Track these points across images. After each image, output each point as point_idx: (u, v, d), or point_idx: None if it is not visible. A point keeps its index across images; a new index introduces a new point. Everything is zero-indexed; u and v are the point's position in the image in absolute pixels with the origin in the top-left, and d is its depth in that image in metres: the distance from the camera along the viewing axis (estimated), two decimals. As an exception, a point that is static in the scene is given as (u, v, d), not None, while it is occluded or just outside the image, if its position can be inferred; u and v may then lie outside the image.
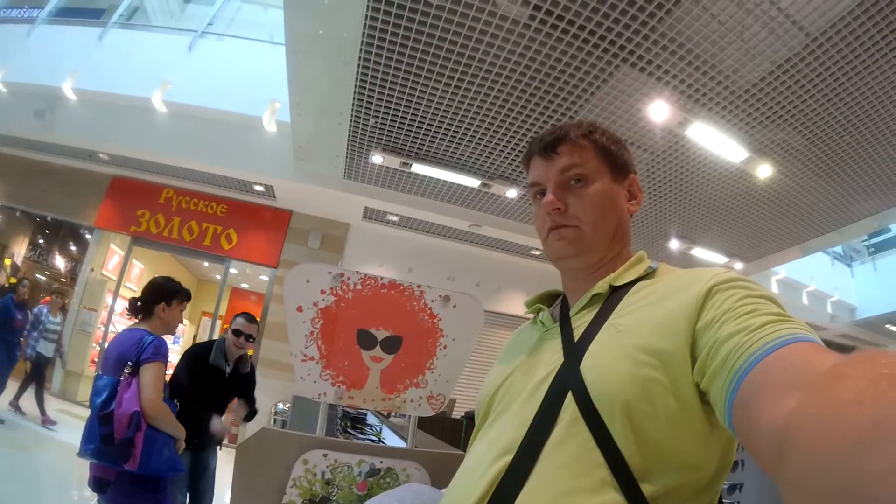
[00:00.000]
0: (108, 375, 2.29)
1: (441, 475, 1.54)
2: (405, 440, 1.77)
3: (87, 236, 9.75)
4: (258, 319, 3.55)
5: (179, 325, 2.69)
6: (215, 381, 3.29)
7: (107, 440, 2.08)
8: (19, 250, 13.77)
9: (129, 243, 9.33)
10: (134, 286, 10.44)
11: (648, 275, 0.94)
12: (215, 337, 5.04)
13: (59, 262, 12.18)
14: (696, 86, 4.34)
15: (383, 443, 2.80)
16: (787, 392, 0.56)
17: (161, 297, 2.57)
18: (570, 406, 0.79)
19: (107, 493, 2.18)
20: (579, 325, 0.90)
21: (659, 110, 4.66)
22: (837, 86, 4.14)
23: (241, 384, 3.45)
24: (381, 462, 1.53)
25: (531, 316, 1.10)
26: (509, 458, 0.80)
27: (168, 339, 7.04)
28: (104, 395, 2.20)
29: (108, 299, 9.22)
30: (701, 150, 5.28)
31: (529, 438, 0.80)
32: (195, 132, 7.85)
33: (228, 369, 3.35)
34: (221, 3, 9.11)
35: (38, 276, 13.88)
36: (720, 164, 5.50)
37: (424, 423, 1.71)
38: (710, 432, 0.75)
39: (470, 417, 6.56)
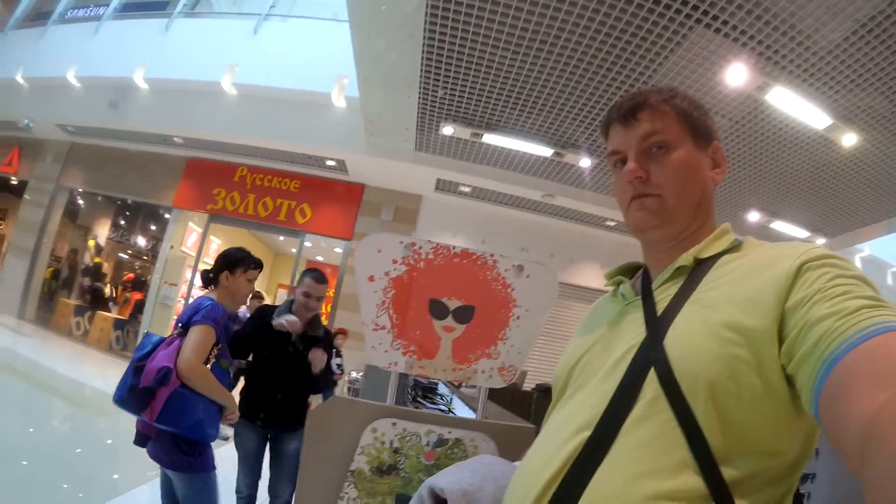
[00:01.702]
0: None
1: (509, 447, 1.52)
2: (475, 411, 1.76)
3: (166, 216, 10.29)
4: (327, 278, 3.30)
5: (245, 294, 2.62)
6: (279, 346, 2.99)
7: (132, 390, 2.12)
8: (102, 232, 14.72)
9: (206, 221, 9.82)
10: (211, 261, 10.91)
11: (734, 248, 0.89)
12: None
13: (140, 241, 12.90)
14: (775, 47, 4.04)
15: (453, 413, 2.81)
16: (879, 386, 0.53)
17: (224, 266, 2.54)
18: (651, 383, 0.75)
19: (147, 449, 2.24)
20: (662, 298, 0.86)
21: (736, 74, 4.40)
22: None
23: (307, 348, 3.03)
24: (450, 432, 1.52)
25: (607, 288, 1.06)
26: (587, 433, 0.77)
27: (246, 309, 7.38)
28: (146, 350, 2.25)
29: (188, 274, 9.75)
30: (781, 117, 4.96)
31: (608, 415, 0.77)
32: (265, 112, 8.11)
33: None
34: None
35: (120, 255, 14.83)
36: (802, 132, 5.16)
37: (495, 394, 1.70)
38: (795, 417, 0.71)
39: (541, 390, 6.54)
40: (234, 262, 2.53)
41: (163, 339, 2.30)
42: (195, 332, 2.25)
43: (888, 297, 0.68)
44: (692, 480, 0.68)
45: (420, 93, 5.68)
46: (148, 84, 8.95)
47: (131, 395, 2.11)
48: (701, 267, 0.86)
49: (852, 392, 0.56)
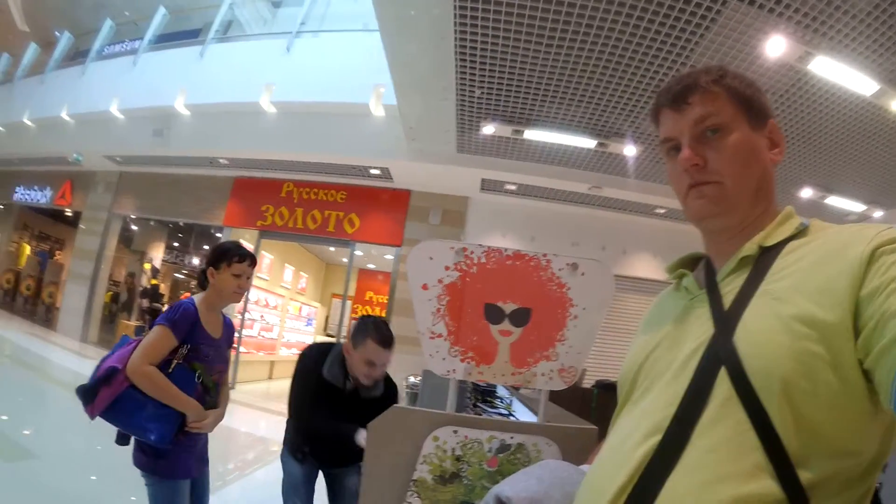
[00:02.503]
0: None
1: (572, 450, 1.49)
2: (535, 413, 1.73)
3: (218, 235, 10.62)
4: (393, 340, 2.55)
5: (234, 291, 2.36)
6: (329, 399, 2.53)
7: (79, 387, 2.13)
8: (157, 254, 15.39)
9: (257, 237, 10.05)
10: (266, 276, 11.25)
11: (800, 233, 0.84)
12: (345, 319, 5.05)
13: (195, 261, 13.38)
14: (813, 14, 3.85)
15: (513, 416, 2.79)
16: None
17: (208, 262, 2.37)
18: (723, 382, 0.72)
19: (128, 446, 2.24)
20: (728, 291, 0.82)
21: (775, 46, 4.22)
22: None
23: (367, 408, 2.28)
24: (512, 438, 1.50)
25: (663, 278, 1.02)
26: (658, 438, 0.74)
27: (300, 321, 7.56)
28: (112, 351, 2.22)
29: (243, 290, 9.94)
30: (826, 86, 4.74)
31: (679, 418, 0.74)
32: (306, 126, 8.28)
33: (348, 387, 2.54)
34: (311, 2, 9.42)
35: (176, 275, 15.43)
36: (849, 100, 4.91)
37: (554, 394, 1.67)
38: (873, 414, 0.67)
39: (601, 386, 6.43)
40: (217, 256, 2.36)
41: (126, 341, 2.26)
42: (150, 334, 2.19)
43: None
44: (767, 485, 0.66)
45: (457, 94, 5.67)
46: (189, 110, 9.26)
47: (77, 391, 2.12)
48: (767, 255, 0.82)
49: None
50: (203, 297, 2.35)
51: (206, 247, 12.50)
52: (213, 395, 2.33)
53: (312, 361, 2.58)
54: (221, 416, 2.41)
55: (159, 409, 2.10)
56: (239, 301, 2.54)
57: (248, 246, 9.84)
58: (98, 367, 2.17)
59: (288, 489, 2.70)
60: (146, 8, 11.82)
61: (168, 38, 10.92)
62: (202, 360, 2.25)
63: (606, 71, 4.91)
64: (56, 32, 13.95)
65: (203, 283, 2.38)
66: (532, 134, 6.23)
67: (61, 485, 3.84)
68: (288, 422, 2.80)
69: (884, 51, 4.17)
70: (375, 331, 2.45)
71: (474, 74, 5.21)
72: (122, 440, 2.21)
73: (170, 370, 2.15)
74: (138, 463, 2.18)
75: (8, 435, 4.68)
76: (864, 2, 3.69)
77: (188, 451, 2.25)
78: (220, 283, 2.33)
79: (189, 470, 2.26)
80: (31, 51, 14.17)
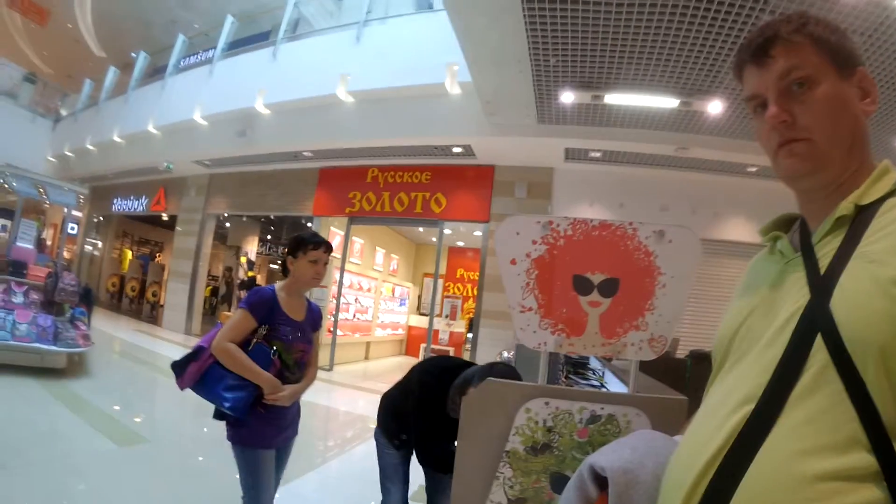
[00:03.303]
0: None
1: (662, 420, 1.48)
2: (627, 384, 1.73)
3: (308, 225, 11.05)
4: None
5: (313, 277, 2.55)
6: (443, 425, 2.43)
7: (174, 362, 2.39)
8: (251, 248, 16.19)
9: (346, 224, 10.39)
10: (357, 260, 11.63)
11: None
12: (437, 297, 4.85)
13: (288, 251, 14.14)
14: None
15: (606, 387, 2.78)
16: None
17: (288, 252, 2.59)
18: (819, 350, 0.70)
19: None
20: (824, 254, 0.80)
21: None
22: None
23: None
24: (602, 408, 1.52)
25: (757, 241, 0.99)
26: (750, 407, 0.74)
27: (394, 302, 7.79)
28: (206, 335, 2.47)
29: (336, 275, 10.37)
30: None
31: (773, 386, 0.73)
32: (384, 112, 8.43)
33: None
34: None
35: (271, 266, 16.15)
36: None
37: (647, 365, 1.66)
38: None
39: (695, 356, 6.24)
40: (295, 245, 2.56)
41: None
42: (232, 316, 2.50)
43: None
44: (863, 458, 0.64)
45: (532, 64, 5.60)
46: (269, 109, 9.68)
47: (171, 365, 2.39)
48: (864, 215, 0.79)
49: None
50: (284, 284, 2.55)
51: (299, 238, 13.25)
52: (293, 372, 2.51)
53: (438, 389, 2.47)
54: (301, 391, 2.57)
55: (236, 381, 2.31)
56: (317, 285, 2.68)
57: (337, 231, 10.19)
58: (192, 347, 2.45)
59: (385, 473, 2.75)
60: (215, 18, 12.55)
61: (240, 44, 11.48)
62: (280, 339, 2.44)
63: (682, 25, 4.70)
64: (132, 54, 14.96)
65: (286, 272, 2.57)
66: (612, 98, 6.07)
67: (171, 465, 4.23)
68: (385, 407, 2.84)
69: None
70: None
71: (547, 42, 5.12)
72: (218, 415, 2.42)
73: (249, 348, 2.36)
74: (228, 436, 2.40)
75: (122, 422, 5.16)
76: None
77: (271, 423, 2.44)
78: (299, 269, 2.53)
79: (269, 440, 2.44)
80: (111, 74, 15.30)
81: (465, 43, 5.47)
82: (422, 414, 2.56)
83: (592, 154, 8.12)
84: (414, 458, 2.74)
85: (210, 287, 14.42)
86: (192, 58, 12.74)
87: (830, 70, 0.84)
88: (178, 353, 2.46)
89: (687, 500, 0.76)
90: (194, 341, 2.93)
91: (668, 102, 6.10)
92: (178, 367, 2.37)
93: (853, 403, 0.66)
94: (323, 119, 9.05)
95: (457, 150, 8.64)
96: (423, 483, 2.81)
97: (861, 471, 0.64)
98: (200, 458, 4.37)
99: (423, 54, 7.95)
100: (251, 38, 11.44)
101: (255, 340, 2.39)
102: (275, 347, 2.43)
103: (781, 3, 4.26)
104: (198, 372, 2.35)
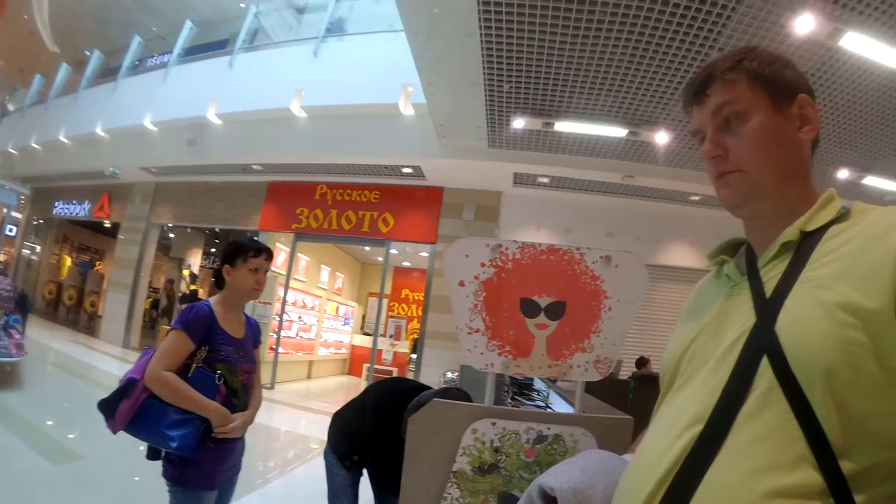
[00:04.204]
0: None
1: (609, 440, 1.51)
2: (572, 405, 1.75)
3: (255, 240, 10.80)
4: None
5: (253, 287, 2.30)
6: (400, 448, 2.21)
7: (99, 402, 2.06)
8: (195, 261, 15.74)
9: (292, 240, 10.27)
10: (302, 277, 11.47)
11: (842, 216, 0.82)
12: (382, 317, 4.91)
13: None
14: None
15: (551, 408, 2.80)
16: None
17: (223, 261, 2.30)
18: (765, 372, 0.72)
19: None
20: (770, 278, 0.82)
21: (804, 24, 4.13)
22: None
23: None
24: (549, 429, 1.53)
25: (698, 266, 1.01)
26: (699, 427, 0.75)
27: (338, 321, 7.73)
28: (134, 365, 2.15)
29: (280, 292, 10.22)
30: (858, 63, 4.63)
31: (721, 408, 0.74)
32: (336, 129, 8.39)
33: None
34: (334, 6, 9.50)
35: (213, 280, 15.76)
36: (882, 76, 4.78)
37: (591, 386, 1.68)
38: None
39: (637, 378, 6.38)
40: (233, 252, 2.28)
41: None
42: (165, 339, 2.11)
43: None
44: (810, 476, 0.66)
45: (486, 90, 5.69)
46: (221, 119, 9.51)
47: (98, 406, 2.05)
48: (809, 241, 0.81)
49: None
50: (219, 297, 2.28)
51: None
52: (240, 398, 2.23)
53: (395, 412, 2.38)
54: (251, 419, 2.30)
55: (180, 416, 2.02)
56: (257, 297, 2.39)
57: (283, 247, 10.02)
58: (120, 380, 2.11)
59: (335, 494, 2.65)
60: (173, 22, 12.25)
61: (197, 51, 11.24)
62: (224, 360, 2.16)
63: (634, 58, 4.88)
64: (86, 52, 14.52)
65: (220, 283, 2.31)
66: (562, 126, 6.21)
67: (107, 485, 4.01)
68: (336, 427, 2.74)
69: None
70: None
71: (502, 69, 5.22)
72: (153, 455, 2.14)
73: (189, 374, 2.08)
74: (165, 474, 2.10)
75: (55, 438, 4.88)
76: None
77: (220, 461, 2.16)
78: (238, 279, 2.26)
79: (216, 480, 2.16)
80: (63, 71, 14.79)
81: (421, 65, 5.51)
82: (378, 437, 2.46)
83: (541, 179, 8.28)
84: (364, 479, 2.66)
85: (151, 299, 13.91)
86: (147, 61, 12.41)
87: (764, 103, 0.87)
88: (116, 367, 2.22)
89: None
90: (132, 355, 2.71)
91: (616, 132, 6.28)
92: (107, 407, 2.03)
93: (799, 423, 0.68)
94: (275, 133, 8.95)
95: (406, 170, 8.67)
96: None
97: (808, 488, 0.65)
98: (137, 479, 4.17)
99: (379, 74, 7.99)
100: (208, 46, 11.22)
101: (194, 365, 2.10)
102: (219, 371, 2.14)
103: (730, 42, 4.47)
104: (131, 410, 2.02)
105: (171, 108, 10.14)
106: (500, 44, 4.78)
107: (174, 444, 1.98)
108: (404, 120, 7.98)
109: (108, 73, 13.45)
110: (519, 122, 6.18)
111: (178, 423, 2.01)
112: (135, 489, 4.04)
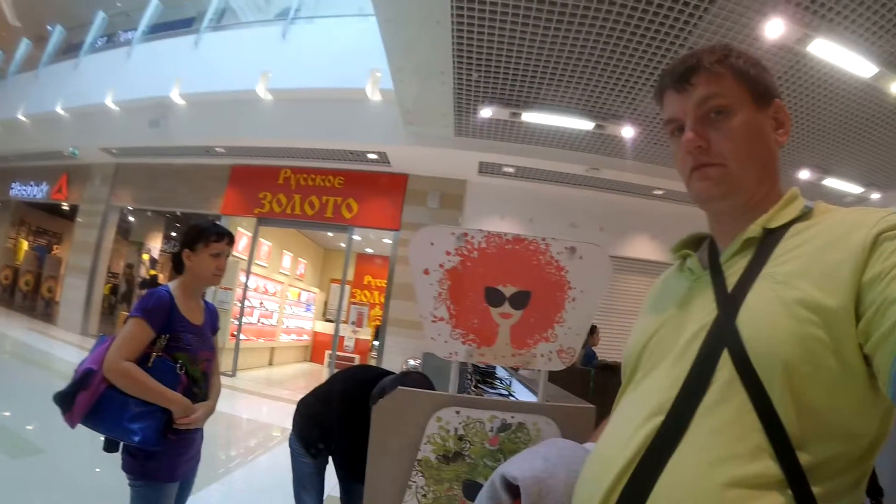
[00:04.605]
0: None
1: (571, 428, 1.53)
2: (535, 394, 1.76)
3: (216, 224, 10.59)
4: None
5: (214, 273, 2.22)
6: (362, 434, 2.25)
7: (56, 394, 1.97)
8: (155, 245, 15.34)
9: (255, 224, 10.08)
10: (264, 263, 11.32)
11: (804, 215, 0.84)
12: (344, 303, 4.92)
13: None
14: None
15: (514, 397, 2.82)
16: None
17: (184, 244, 2.20)
18: (725, 365, 0.73)
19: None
20: (732, 273, 0.83)
21: (774, 28, 4.22)
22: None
23: None
24: (513, 417, 1.54)
25: (660, 259, 1.02)
26: (660, 419, 0.76)
27: (300, 307, 7.68)
28: (92, 352, 2.06)
29: (242, 278, 10.06)
30: (825, 68, 4.76)
31: (682, 399, 0.75)
32: (302, 113, 8.27)
33: None
34: None
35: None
36: (848, 82, 4.93)
37: (553, 375, 1.70)
38: (873, 398, 0.69)
39: (599, 367, 6.49)
40: (194, 236, 2.19)
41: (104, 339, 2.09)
42: (124, 328, 2.02)
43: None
44: (768, 466, 0.67)
45: (454, 78, 5.66)
46: (185, 100, 9.24)
47: (54, 398, 1.97)
48: (771, 237, 0.83)
49: None
50: (179, 283, 2.20)
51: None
52: (201, 387, 2.19)
53: (362, 400, 2.36)
54: (212, 409, 2.25)
55: (142, 408, 1.95)
56: (218, 283, 2.30)
57: (245, 232, 9.85)
58: (76, 370, 2.02)
59: (301, 482, 2.62)
60: None
61: (162, 28, 10.86)
62: (184, 349, 2.10)
63: (604, 53, 4.91)
64: (48, 27, 13.92)
65: (179, 268, 2.23)
66: (529, 116, 6.23)
67: (69, 479, 3.88)
68: (302, 414, 2.70)
69: (883, 33, 4.18)
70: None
71: (472, 57, 5.20)
72: (109, 447, 2.06)
73: (149, 364, 2.00)
74: (126, 467, 2.03)
75: (13, 430, 4.73)
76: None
77: (181, 453, 2.11)
78: (198, 265, 2.19)
79: (178, 472, 2.12)
80: (24, 46, 14.18)
81: (391, 51, 5.46)
82: (345, 425, 2.44)
83: (506, 169, 8.31)
84: (329, 467, 2.64)
85: (110, 285, 13.51)
86: (110, 38, 11.94)
87: (748, 101, 0.88)
88: (75, 355, 2.11)
89: None
90: (91, 342, 2.55)
91: (583, 124, 6.33)
92: (64, 400, 1.94)
93: (758, 415, 0.69)
94: (240, 115, 8.75)
95: (372, 156, 8.60)
96: (339, 493, 2.70)
97: (767, 478, 0.67)
98: (98, 470, 4.06)
99: (348, 58, 7.88)
100: (174, 24, 10.84)
101: (154, 354, 2.02)
102: (180, 360, 2.08)
103: (700, 41, 4.53)
104: (90, 402, 1.93)
105: (134, 87, 9.80)
106: (470, 32, 4.76)
107: (136, 438, 1.93)
108: (371, 105, 7.90)
109: (70, 49, 12.89)
110: (486, 112, 6.18)
111: (140, 416, 1.95)
112: (97, 482, 3.92)
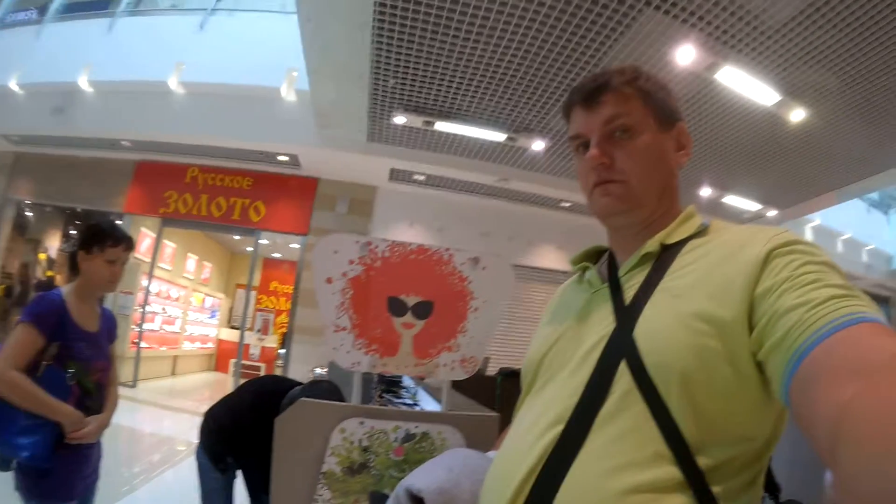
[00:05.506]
0: None
1: (476, 437, 1.54)
2: (440, 402, 1.77)
3: (118, 223, 9.96)
4: None
5: (108, 280, 2.10)
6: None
7: None
8: (53, 244, 14.27)
9: (159, 225, 9.59)
10: (167, 266, 10.76)
11: (701, 232, 0.88)
12: (250, 310, 4.73)
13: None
14: (724, 27, 4.14)
15: (419, 405, 2.82)
16: (847, 380, 0.53)
17: (80, 245, 2.06)
18: (623, 375, 0.75)
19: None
20: (630, 286, 0.86)
21: (685, 55, 4.47)
22: (873, 24, 3.89)
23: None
24: (417, 427, 1.54)
25: (565, 269, 1.05)
26: (560, 428, 0.77)
27: (204, 313, 7.37)
28: None
29: (143, 282, 9.52)
30: (731, 95, 5.08)
31: (581, 409, 0.77)
32: (214, 109, 7.93)
33: None
34: None
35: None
36: (752, 109, 5.29)
37: (459, 382, 1.72)
38: (767, 402, 0.72)
39: (504, 374, 6.61)
40: (90, 238, 2.05)
41: None
42: (11, 335, 1.89)
43: (838, 263, 0.70)
44: (668, 471, 0.69)
45: (371, 83, 5.62)
46: (93, 87, 8.61)
47: None
48: (668, 253, 0.85)
49: (822, 385, 0.56)
50: (73, 287, 2.07)
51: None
52: (94, 399, 2.06)
53: (273, 413, 2.28)
54: (107, 422, 2.12)
55: (31, 421, 1.83)
56: (113, 290, 2.21)
57: (149, 233, 9.33)
58: None
59: (209, 498, 2.50)
60: None
61: (76, 9, 10.03)
62: (77, 358, 1.97)
63: (520, 68, 5.03)
64: None
65: (75, 269, 2.08)
66: (443, 126, 6.28)
67: None
68: (210, 428, 2.55)
69: (788, 65, 4.51)
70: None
71: (389, 63, 5.18)
72: (1, 465, 1.91)
73: (38, 374, 1.88)
74: (18, 486, 1.89)
75: None
76: (773, 19, 3.97)
77: (76, 470, 1.99)
78: (92, 269, 2.05)
79: (74, 490, 1.99)
80: None
81: (309, 51, 5.35)
82: (256, 438, 2.25)
83: (417, 177, 8.33)
84: (238, 481, 2.52)
85: (4, 286, 12.37)
86: (19, 14, 10.76)
87: (652, 122, 0.91)
88: None
89: None
90: None
91: (495, 136, 6.45)
92: None
93: (657, 423, 0.71)
94: (149, 107, 8.24)
95: (282, 158, 8.38)
96: None
97: (667, 482, 0.69)
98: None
99: (265, 55, 7.64)
100: (89, 5, 9.99)
101: (44, 363, 1.89)
102: (71, 370, 1.94)
103: (615, 62, 4.70)
104: None
105: (40, 69, 9.00)
106: (390, 38, 4.74)
107: (25, 454, 1.81)
108: (285, 106, 7.69)
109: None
110: (400, 119, 6.18)
111: (29, 430, 1.83)
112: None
